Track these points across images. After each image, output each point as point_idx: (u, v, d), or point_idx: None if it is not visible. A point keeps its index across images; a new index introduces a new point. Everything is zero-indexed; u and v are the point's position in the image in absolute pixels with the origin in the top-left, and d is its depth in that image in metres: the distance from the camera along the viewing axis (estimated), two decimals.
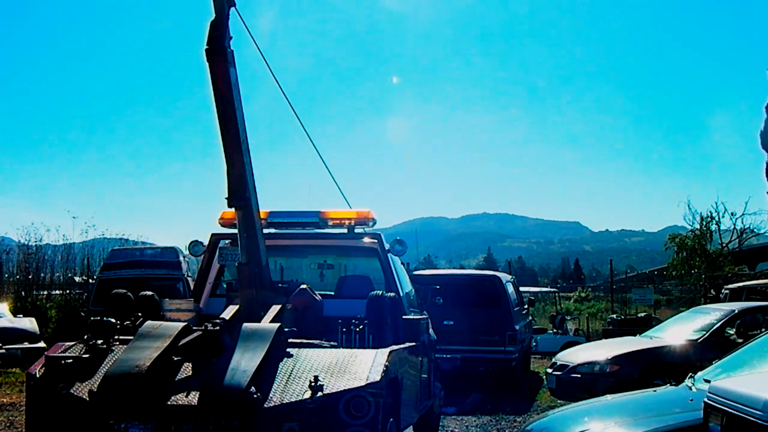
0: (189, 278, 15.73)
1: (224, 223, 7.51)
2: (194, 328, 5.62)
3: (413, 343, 6.69)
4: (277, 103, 7.53)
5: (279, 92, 7.22)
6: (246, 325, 5.58)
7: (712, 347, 9.55)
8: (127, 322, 6.25)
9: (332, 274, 8.32)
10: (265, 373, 5.08)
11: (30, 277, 22.66)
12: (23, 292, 21.93)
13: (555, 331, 21.69)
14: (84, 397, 5.05)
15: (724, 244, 28.18)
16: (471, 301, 12.83)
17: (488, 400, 11.14)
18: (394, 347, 5.86)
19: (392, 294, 6.92)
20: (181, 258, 16.59)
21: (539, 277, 77.61)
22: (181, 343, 5.41)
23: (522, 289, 18.91)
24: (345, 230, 7.84)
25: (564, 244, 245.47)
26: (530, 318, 17.48)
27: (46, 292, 22.76)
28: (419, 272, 14.26)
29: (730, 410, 4.13)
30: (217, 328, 5.50)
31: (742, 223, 28.08)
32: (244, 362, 5.04)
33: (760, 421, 3.81)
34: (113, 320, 6.17)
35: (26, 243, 22.91)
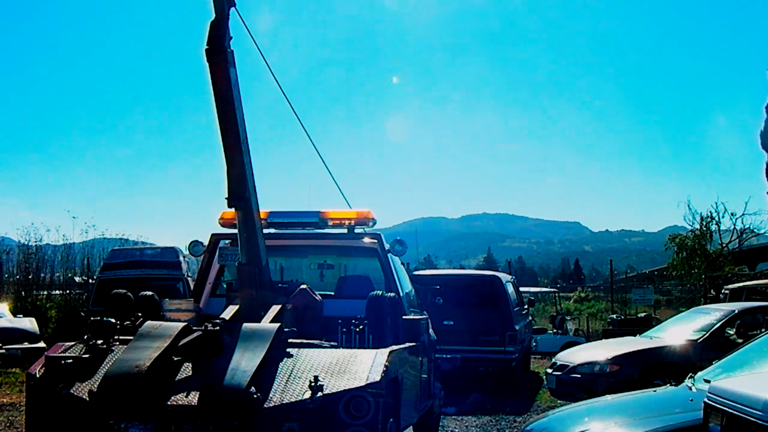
0: (189, 278, 15.74)
1: (224, 223, 7.51)
2: (194, 328, 5.61)
3: (413, 343, 6.69)
4: (277, 103, 7.54)
5: (279, 92, 7.24)
6: (246, 325, 5.58)
7: (712, 347, 9.56)
8: (127, 322, 6.25)
9: (332, 274, 8.32)
10: (265, 373, 5.08)
11: (30, 277, 22.67)
12: (23, 292, 21.93)
13: (555, 331, 21.70)
14: (84, 397, 5.05)
15: (724, 245, 28.20)
16: (471, 301, 12.82)
17: (488, 400, 11.13)
18: (394, 347, 5.86)
19: (392, 294, 6.92)
20: (181, 258, 16.60)
21: (539, 278, 77.58)
22: (181, 343, 5.41)
23: (522, 289, 18.92)
24: (345, 230, 7.84)
25: (564, 244, 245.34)
26: (530, 318, 17.48)
27: (46, 292, 22.76)
28: (419, 272, 14.26)
29: (730, 410, 4.14)
30: (217, 328, 5.49)
31: (742, 223, 28.16)
32: (244, 362, 5.04)
33: (760, 422, 3.81)
34: (113, 320, 6.16)
35: (26, 243, 22.96)
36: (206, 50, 5.80)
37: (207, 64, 5.82)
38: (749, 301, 13.97)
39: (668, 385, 6.53)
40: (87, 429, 5.00)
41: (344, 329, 6.37)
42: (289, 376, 5.10)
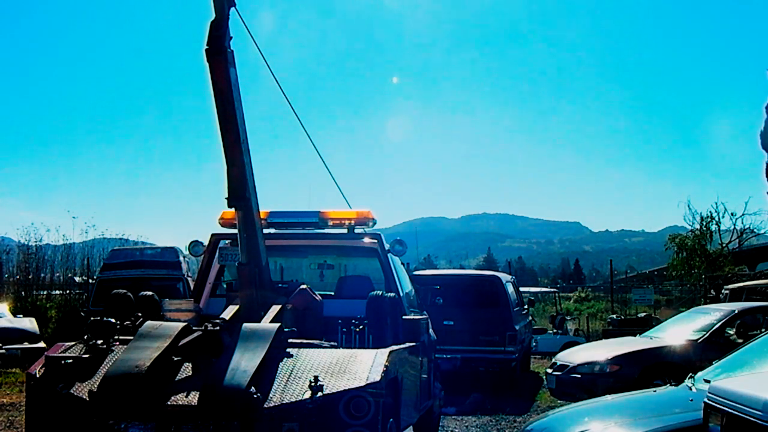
0: (189, 278, 15.75)
1: (224, 223, 7.52)
2: (194, 328, 5.62)
3: (413, 343, 6.69)
4: (277, 103, 7.55)
5: (279, 92, 7.24)
6: (246, 325, 5.58)
7: (712, 347, 9.57)
8: (127, 322, 6.25)
9: (332, 274, 8.33)
10: (265, 373, 5.08)
11: (30, 277, 22.67)
12: (23, 292, 21.94)
13: (555, 331, 21.70)
14: (84, 397, 5.05)
15: (724, 245, 28.21)
16: (471, 301, 12.83)
17: (488, 400, 11.13)
18: (394, 347, 5.86)
19: (392, 294, 6.92)
20: (181, 258, 16.61)
21: (539, 278, 77.53)
22: (181, 343, 5.41)
23: (522, 289, 18.92)
24: (345, 230, 7.85)
25: (564, 244, 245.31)
26: (530, 318, 17.49)
27: (46, 292, 22.77)
28: (419, 272, 14.26)
29: (730, 410, 4.14)
30: (217, 328, 5.50)
31: (742, 223, 28.17)
32: (244, 362, 5.05)
33: (760, 422, 3.82)
34: (113, 320, 6.17)
35: (26, 243, 22.97)
36: (206, 50, 5.80)
37: (207, 64, 5.82)
38: (749, 301, 13.98)
39: (668, 385, 6.54)
40: (87, 429, 5.00)
41: (344, 329, 6.37)
42: (289, 376, 5.10)
